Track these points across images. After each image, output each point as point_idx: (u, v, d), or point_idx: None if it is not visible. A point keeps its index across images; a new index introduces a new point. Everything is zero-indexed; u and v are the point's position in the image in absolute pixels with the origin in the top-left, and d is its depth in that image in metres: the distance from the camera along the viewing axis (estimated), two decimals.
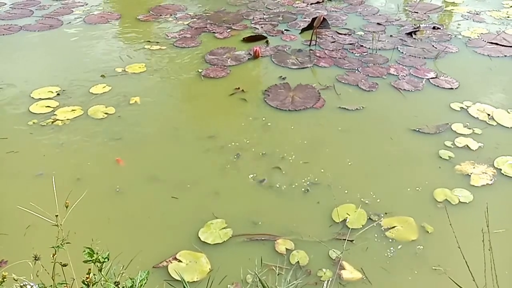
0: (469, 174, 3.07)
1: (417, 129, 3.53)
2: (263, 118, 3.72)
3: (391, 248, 2.52)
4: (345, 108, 3.83)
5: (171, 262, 2.46)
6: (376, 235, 2.61)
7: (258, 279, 1.97)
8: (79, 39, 5.36)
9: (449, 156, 3.24)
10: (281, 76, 4.42)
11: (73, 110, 3.87)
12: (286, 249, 2.51)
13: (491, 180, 3.02)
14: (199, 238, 2.60)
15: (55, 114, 3.81)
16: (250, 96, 4.07)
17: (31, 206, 1.84)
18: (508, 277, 2.33)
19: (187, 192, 2.97)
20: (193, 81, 4.40)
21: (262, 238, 2.58)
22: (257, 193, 2.95)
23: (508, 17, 5.85)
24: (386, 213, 2.74)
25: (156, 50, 5.03)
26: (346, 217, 2.70)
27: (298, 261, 2.43)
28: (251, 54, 4.84)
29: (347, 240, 2.49)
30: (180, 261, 2.47)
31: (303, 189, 2.95)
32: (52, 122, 3.71)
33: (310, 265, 2.43)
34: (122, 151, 3.37)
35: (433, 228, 2.64)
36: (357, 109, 3.82)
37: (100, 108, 3.89)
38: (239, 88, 4.17)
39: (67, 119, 3.74)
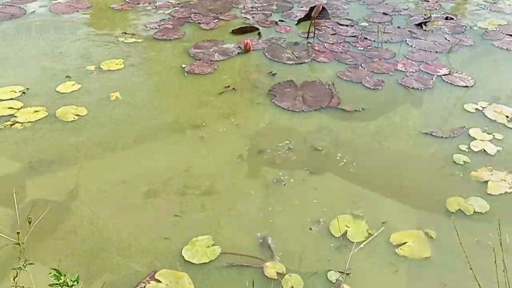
0: (487, 181, 3.11)
1: (429, 132, 3.56)
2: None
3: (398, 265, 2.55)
4: (343, 110, 3.86)
5: (149, 283, 2.45)
6: (383, 250, 2.63)
7: None
8: (45, 30, 5.34)
9: (464, 161, 3.28)
10: (271, 72, 4.44)
11: (35, 111, 3.84)
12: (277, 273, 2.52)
13: (511, 188, 3.06)
14: (183, 256, 2.60)
15: (15, 116, 3.78)
16: (242, 95, 4.10)
17: None
18: None
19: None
20: (176, 78, 4.40)
21: (246, 264, 2.57)
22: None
23: None
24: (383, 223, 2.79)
25: (133, 43, 5.03)
26: (346, 230, 2.74)
27: (292, 286, 2.44)
28: (241, 48, 4.86)
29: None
30: (159, 281, 2.47)
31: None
32: (11, 124, 3.68)
33: None
34: (95, 156, 3.37)
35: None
36: (356, 110, 3.85)
37: (71, 109, 3.87)
38: (229, 86, 4.18)
39: (28, 122, 3.71)
